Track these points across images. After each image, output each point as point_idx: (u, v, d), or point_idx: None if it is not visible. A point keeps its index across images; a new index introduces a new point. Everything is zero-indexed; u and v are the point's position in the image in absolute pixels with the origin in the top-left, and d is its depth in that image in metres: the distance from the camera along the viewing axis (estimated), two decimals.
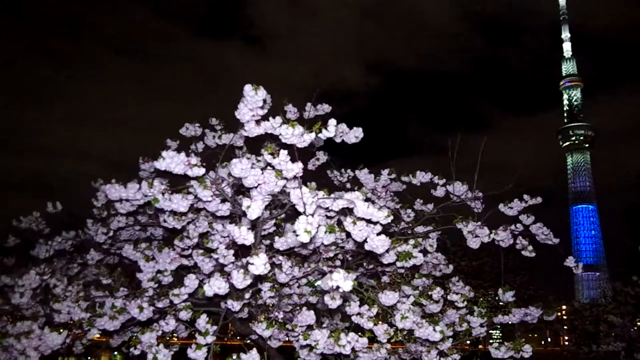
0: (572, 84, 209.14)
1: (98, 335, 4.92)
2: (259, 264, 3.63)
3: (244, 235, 3.79)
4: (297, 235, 3.45)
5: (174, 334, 5.27)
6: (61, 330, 4.47)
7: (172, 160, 3.86)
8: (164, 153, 3.83)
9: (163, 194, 4.10)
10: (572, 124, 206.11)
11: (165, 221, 4.72)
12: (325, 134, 3.99)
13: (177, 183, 4.23)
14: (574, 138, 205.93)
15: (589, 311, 23.12)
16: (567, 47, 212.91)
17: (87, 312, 4.73)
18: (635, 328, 15.57)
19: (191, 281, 4.75)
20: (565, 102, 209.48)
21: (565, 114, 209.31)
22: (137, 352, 4.65)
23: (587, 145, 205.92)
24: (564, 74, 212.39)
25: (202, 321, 4.56)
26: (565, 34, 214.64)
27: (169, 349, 4.42)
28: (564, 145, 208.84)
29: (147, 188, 4.05)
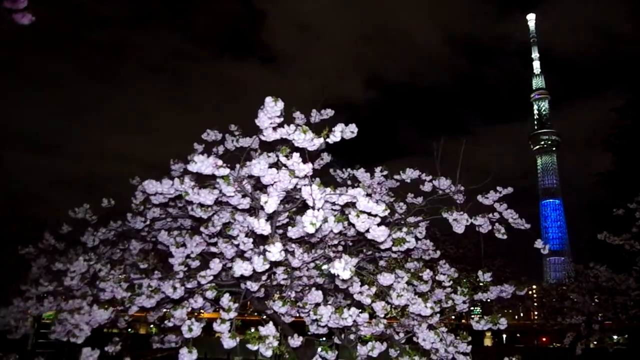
0: (541, 96, 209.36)
1: (137, 312, 4.93)
2: (275, 251, 3.74)
3: (262, 227, 3.89)
4: (304, 227, 3.52)
5: (202, 310, 5.29)
6: (107, 307, 4.49)
7: (203, 164, 3.93)
8: (195, 157, 3.91)
9: (192, 188, 4.18)
10: (541, 131, 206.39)
11: (193, 211, 4.79)
12: (332, 139, 4.04)
13: (202, 180, 4.29)
14: (543, 142, 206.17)
15: (555, 290, 23.06)
16: (536, 65, 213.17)
17: (128, 291, 4.74)
18: (594, 304, 15.52)
19: (215, 265, 4.76)
20: (535, 111, 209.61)
21: (535, 122, 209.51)
22: (170, 325, 4.67)
23: (554, 148, 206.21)
24: (534, 88, 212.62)
25: (226, 299, 4.57)
26: (535, 54, 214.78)
27: (200, 322, 4.45)
28: (535, 148, 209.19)
29: (178, 184, 4.16)
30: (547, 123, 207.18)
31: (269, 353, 4.15)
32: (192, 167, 3.92)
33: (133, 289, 4.75)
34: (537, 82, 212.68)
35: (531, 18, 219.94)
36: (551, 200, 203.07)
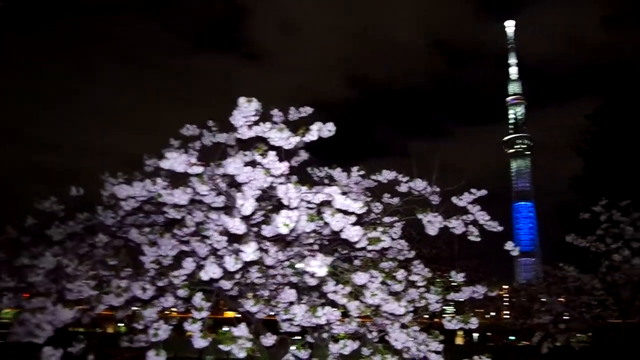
0: (517, 101, 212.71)
1: (105, 310, 4.78)
2: (250, 251, 3.68)
3: (236, 226, 3.79)
4: (277, 227, 3.45)
5: (173, 309, 5.16)
6: (72, 306, 4.34)
7: (175, 161, 3.82)
8: (167, 154, 3.80)
9: (165, 189, 4.06)
10: (516, 135, 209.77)
11: (166, 212, 4.65)
12: (308, 138, 3.97)
13: (177, 176, 4.17)
14: (517, 146, 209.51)
15: (525, 290, 23.30)
16: (513, 71, 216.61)
17: (95, 289, 4.59)
18: (561, 304, 15.73)
19: (189, 264, 4.64)
20: (511, 116, 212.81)
21: (510, 126, 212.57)
22: (140, 327, 4.54)
23: (528, 152, 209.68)
24: (510, 93, 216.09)
25: (198, 298, 4.46)
26: (512, 60, 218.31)
27: (168, 323, 4.33)
28: (509, 152, 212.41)
29: (150, 185, 4.03)
30: (522, 127, 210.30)
31: (242, 355, 4.07)
32: (164, 164, 3.82)
33: (101, 287, 4.61)
34: (514, 88, 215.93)
35: (510, 25, 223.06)
36: (523, 203, 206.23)
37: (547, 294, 15.97)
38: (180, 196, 4.08)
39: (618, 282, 13.39)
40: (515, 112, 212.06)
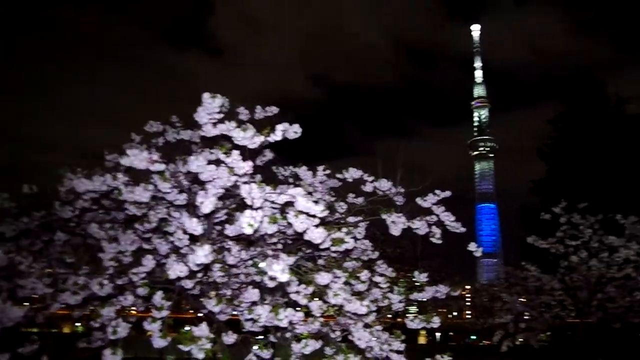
0: (482, 104, 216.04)
1: (61, 309, 4.65)
2: (202, 254, 3.59)
3: (194, 226, 3.73)
4: (241, 227, 3.40)
5: (132, 308, 5.05)
6: (22, 304, 4.20)
7: (136, 157, 3.74)
8: (128, 151, 3.71)
9: (126, 185, 3.96)
10: (480, 137, 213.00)
11: (127, 209, 4.55)
12: (273, 138, 3.95)
13: (140, 172, 4.08)
14: (481, 149, 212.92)
15: (486, 291, 23.72)
16: (478, 74, 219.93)
17: (51, 287, 4.46)
18: (520, 304, 16.02)
19: (149, 262, 4.54)
20: (476, 118, 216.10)
21: (475, 129, 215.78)
22: (97, 325, 4.42)
23: (491, 155, 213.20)
24: (475, 96, 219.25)
25: (158, 297, 4.36)
26: (478, 63, 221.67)
27: (127, 322, 4.23)
28: (473, 154, 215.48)
29: (111, 180, 3.93)
30: (486, 130, 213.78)
31: (201, 355, 4.01)
32: (124, 161, 3.73)
33: (56, 285, 4.48)
34: (478, 91, 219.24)
35: (475, 29, 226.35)
36: (486, 204, 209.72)
37: (508, 294, 16.23)
38: (141, 193, 4.00)
39: (576, 282, 13.73)
40: (480, 115, 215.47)
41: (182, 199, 4.28)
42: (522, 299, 16.09)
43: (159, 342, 4.12)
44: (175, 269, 3.98)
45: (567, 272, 13.63)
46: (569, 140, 38.77)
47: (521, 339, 18.12)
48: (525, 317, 16.10)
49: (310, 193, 5.50)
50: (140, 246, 4.84)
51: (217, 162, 3.90)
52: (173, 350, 4.46)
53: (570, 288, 13.94)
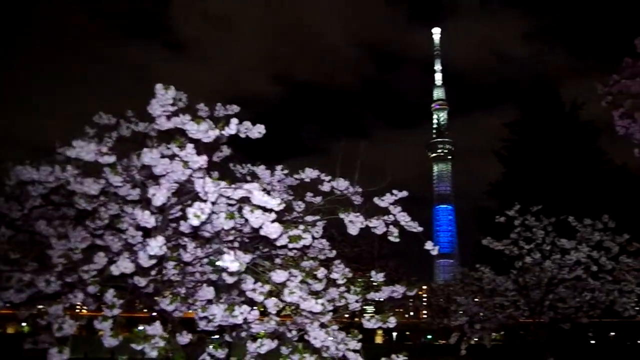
0: (441, 107, 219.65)
1: (5, 309, 4.47)
2: (155, 245, 3.52)
3: (146, 219, 3.66)
4: (188, 219, 3.35)
5: (83, 307, 4.91)
6: None
7: (83, 149, 3.63)
8: (74, 142, 3.60)
9: (75, 177, 3.84)
10: (439, 139, 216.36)
11: (77, 203, 4.41)
12: (227, 131, 3.90)
13: (93, 166, 3.96)
14: (439, 150, 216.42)
15: (442, 291, 24.08)
16: (438, 77, 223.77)
17: None
18: (475, 304, 16.30)
19: (100, 259, 4.41)
20: (435, 121, 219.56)
21: (434, 131, 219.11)
22: (43, 323, 4.27)
23: (449, 157, 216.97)
24: (434, 98, 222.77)
25: (110, 295, 4.25)
26: (438, 66, 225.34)
27: (76, 320, 4.10)
28: (432, 156, 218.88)
29: (59, 171, 3.80)
30: (445, 132, 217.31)
31: (154, 353, 3.93)
32: (71, 153, 3.62)
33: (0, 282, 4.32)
34: (438, 93, 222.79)
35: (436, 32, 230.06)
36: (444, 205, 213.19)
37: (463, 295, 16.50)
38: (91, 186, 3.89)
39: (529, 283, 14.06)
40: (439, 117, 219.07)
41: (135, 194, 4.19)
42: (476, 299, 16.38)
43: (110, 342, 4.02)
44: (120, 265, 3.88)
45: (521, 273, 13.95)
46: (525, 143, 39.81)
47: (476, 339, 18.45)
48: (479, 318, 16.39)
49: (268, 192, 5.47)
50: (92, 243, 4.71)
51: (172, 156, 3.82)
52: (125, 350, 4.35)
53: (523, 289, 14.27)
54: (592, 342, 48.41)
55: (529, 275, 13.86)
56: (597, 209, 14.77)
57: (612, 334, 59.27)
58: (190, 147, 3.67)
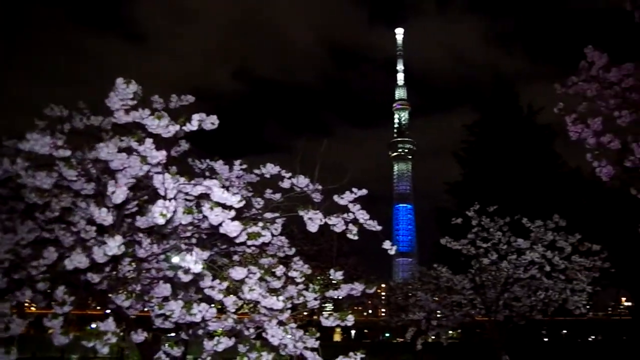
0: (402, 106, 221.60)
1: None
2: (113, 245, 3.42)
3: (103, 217, 3.55)
4: (154, 218, 3.27)
5: (32, 305, 4.75)
6: None
7: (37, 142, 3.51)
8: (28, 135, 3.47)
9: (26, 170, 3.70)
10: (400, 139, 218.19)
11: (27, 196, 4.26)
12: (188, 127, 3.84)
13: (45, 159, 3.83)
14: (400, 150, 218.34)
15: (401, 289, 24.29)
16: (400, 77, 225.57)
17: None
18: (433, 302, 16.53)
19: (50, 254, 4.28)
20: (396, 120, 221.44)
21: (395, 130, 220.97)
22: None
23: (410, 156, 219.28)
24: (396, 98, 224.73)
25: (60, 292, 4.12)
26: (400, 67, 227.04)
27: (24, 318, 3.97)
28: (392, 155, 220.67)
29: (9, 164, 3.66)
30: (406, 132, 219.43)
31: (105, 350, 3.84)
32: (24, 146, 3.49)
33: None
34: (400, 93, 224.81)
35: (399, 32, 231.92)
36: (404, 205, 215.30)
37: (421, 292, 16.70)
38: (43, 179, 3.75)
39: (485, 282, 14.36)
40: (400, 117, 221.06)
41: (89, 188, 4.07)
42: (434, 298, 16.61)
43: (60, 340, 3.91)
44: (74, 260, 3.77)
45: (478, 272, 14.22)
46: (483, 145, 40.56)
47: (433, 337, 18.71)
48: (437, 315, 16.64)
49: (226, 187, 5.41)
50: (41, 236, 4.56)
51: (129, 151, 3.74)
52: (76, 349, 4.25)
53: (480, 287, 14.55)
54: (545, 339, 49.83)
55: (485, 274, 14.15)
56: (551, 211, 15.15)
57: (564, 331, 61.21)
58: (149, 141, 3.59)
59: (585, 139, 6.12)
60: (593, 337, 64.26)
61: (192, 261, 3.56)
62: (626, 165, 6.01)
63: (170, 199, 3.50)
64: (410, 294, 19.41)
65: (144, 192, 4.42)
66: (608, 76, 6.05)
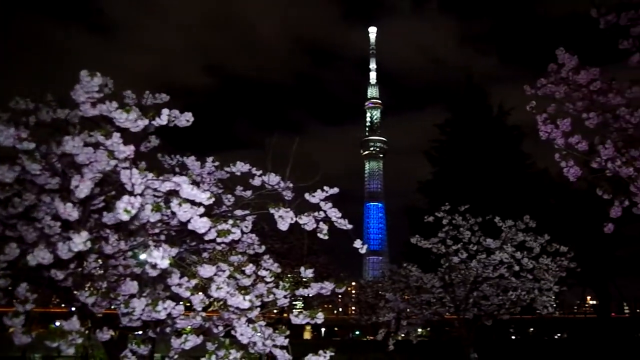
0: (374, 105, 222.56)
1: None
2: (79, 241, 3.34)
3: (69, 212, 3.47)
4: (112, 210, 3.22)
5: None
6: None
7: (2, 134, 3.41)
8: None
9: None
10: (372, 137, 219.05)
11: None
12: (158, 122, 3.78)
13: (8, 152, 3.73)
14: (372, 148, 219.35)
15: (371, 288, 24.43)
16: (373, 76, 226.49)
17: None
18: (403, 301, 16.65)
19: (12, 249, 4.16)
20: (368, 119, 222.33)
21: (367, 129, 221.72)
22: None
23: (381, 155, 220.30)
24: (368, 97, 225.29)
25: (22, 289, 4.02)
26: (373, 65, 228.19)
27: None
28: (364, 153, 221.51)
29: None
30: (378, 130, 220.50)
31: (70, 351, 3.76)
32: None
33: None
34: (372, 92, 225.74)
35: (372, 31, 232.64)
36: (375, 203, 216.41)
37: (391, 292, 16.81)
38: (5, 173, 3.65)
39: (455, 281, 14.53)
40: (372, 116, 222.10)
41: (54, 182, 3.98)
42: (404, 297, 16.73)
43: (21, 339, 3.81)
44: (37, 256, 3.68)
45: (447, 271, 14.38)
46: (454, 145, 41.10)
47: (403, 335, 18.86)
48: (406, 313, 16.76)
49: (197, 184, 5.36)
50: (3, 233, 4.44)
51: (96, 145, 3.66)
52: (39, 348, 4.16)
53: (449, 286, 14.72)
54: (513, 337, 50.75)
55: (455, 273, 14.32)
56: (520, 210, 15.42)
57: (532, 329, 62.41)
58: (116, 136, 3.52)
59: (555, 140, 6.23)
60: (559, 335, 65.71)
61: (159, 256, 3.50)
62: (593, 167, 6.14)
63: (137, 195, 3.44)
64: (380, 292, 19.55)
65: (112, 187, 4.34)
66: (577, 78, 6.16)
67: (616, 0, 6.19)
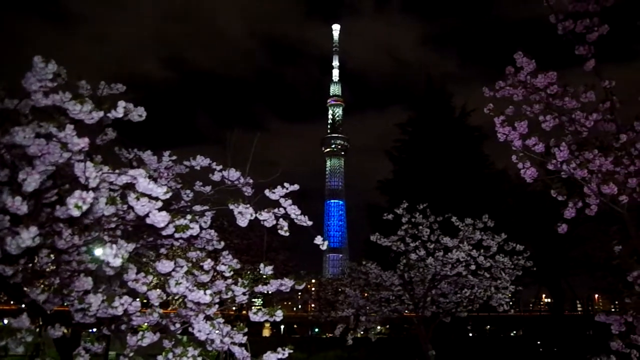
0: (336, 102, 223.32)
1: None
2: (27, 237, 3.23)
3: (17, 205, 3.34)
4: (68, 209, 3.12)
5: None
6: None
7: None
8: None
9: None
10: (333, 135, 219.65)
11: None
12: (113, 114, 3.69)
13: None
14: (333, 146, 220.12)
15: (331, 285, 24.60)
16: (335, 73, 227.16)
17: None
18: (362, 298, 16.79)
19: None
20: (330, 116, 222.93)
21: (328, 126, 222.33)
22: None
23: (343, 153, 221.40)
24: (331, 94, 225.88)
25: None
26: (335, 63, 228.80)
27: None
28: (325, 151, 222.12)
29: None
30: (339, 128, 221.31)
31: (20, 350, 3.64)
32: None
33: None
34: (335, 89, 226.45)
35: (336, 28, 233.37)
36: (335, 200, 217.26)
37: (351, 289, 16.92)
38: None
39: (414, 279, 14.72)
40: (334, 113, 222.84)
41: (3, 175, 3.85)
42: (364, 293, 16.86)
43: None
44: None
45: (406, 269, 14.54)
46: (415, 144, 41.57)
47: (362, 332, 19.01)
48: (366, 311, 16.90)
49: (154, 179, 5.28)
50: None
51: (48, 137, 3.55)
52: None
53: (408, 284, 14.90)
54: (471, 335, 51.71)
55: (413, 271, 14.49)
56: (479, 210, 15.71)
57: (489, 327, 63.76)
58: (70, 127, 3.41)
59: (512, 141, 6.36)
60: (515, 332, 67.33)
61: (112, 255, 3.42)
62: (548, 168, 6.31)
63: (90, 190, 3.35)
64: (340, 289, 19.67)
65: (65, 180, 4.23)
66: (535, 82, 6.32)
67: (572, 8, 6.39)
